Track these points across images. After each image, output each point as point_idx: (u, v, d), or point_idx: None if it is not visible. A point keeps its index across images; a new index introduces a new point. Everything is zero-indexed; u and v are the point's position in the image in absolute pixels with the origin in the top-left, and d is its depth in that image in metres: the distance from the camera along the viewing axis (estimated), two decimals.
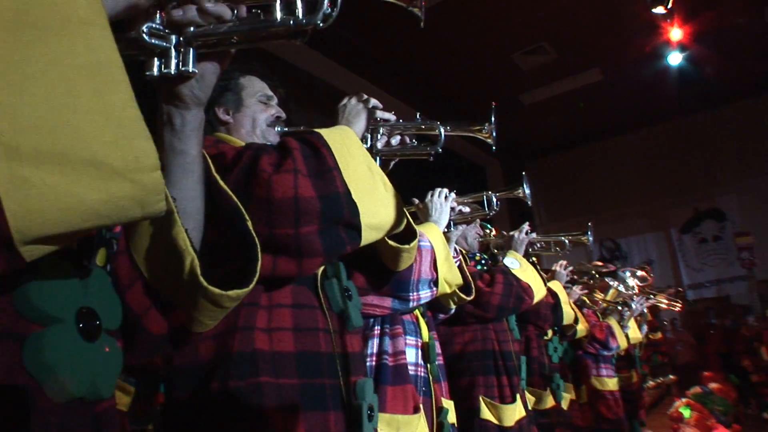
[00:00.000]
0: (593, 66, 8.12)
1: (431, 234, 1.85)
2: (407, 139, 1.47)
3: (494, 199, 2.31)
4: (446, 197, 2.08)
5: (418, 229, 1.80)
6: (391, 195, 1.23)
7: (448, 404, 2.00)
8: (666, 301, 5.59)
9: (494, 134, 1.55)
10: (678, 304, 5.63)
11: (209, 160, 0.99)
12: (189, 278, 0.83)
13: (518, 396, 2.48)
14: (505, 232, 2.91)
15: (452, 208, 2.12)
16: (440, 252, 1.82)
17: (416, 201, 2.15)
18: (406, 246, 1.39)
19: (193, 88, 0.86)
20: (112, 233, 0.84)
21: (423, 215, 2.07)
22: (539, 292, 2.65)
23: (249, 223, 0.94)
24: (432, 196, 2.08)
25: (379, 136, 1.43)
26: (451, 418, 2.06)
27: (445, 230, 2.07)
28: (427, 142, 1.46)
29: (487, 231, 3.07)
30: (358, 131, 1.32)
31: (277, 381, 1.07)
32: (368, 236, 1.17)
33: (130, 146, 0.54)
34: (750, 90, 9.59)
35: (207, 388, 1.04)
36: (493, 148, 1.57)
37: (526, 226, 2.82)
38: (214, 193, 0.96)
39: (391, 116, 1.42)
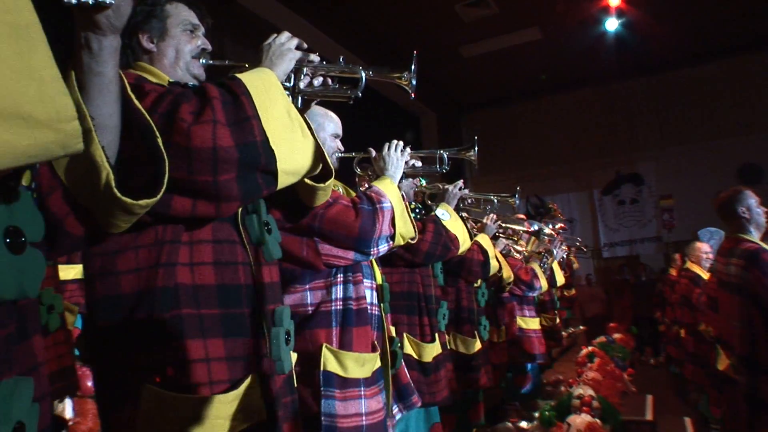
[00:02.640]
0: (533, 24, 8.22)
1: (390, 192, 1.94)
2: (329, 81, 1.49)
3: (446, 158, 2.41)
4: (402, 151, 2.14)
5: (379, 187, 1.95)
6: (308, 140, 1.27)
7: (394, 333, 2.21)
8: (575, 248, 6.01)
9: (413, 82, 1.58)
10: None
11: (125, 81, 1.04)
12: (105, 189, 0.94)
13: (437, 335, 2.70)
14: (439, 185, 3.00)
15: (405, 162, 2.18)
16: (397, 209, 1.93)
17: (373, 152, 2.19)
18: (322, 185, 1.44)
19: (109, 17, 0.92)
20: None
21: (378, 167, 2.12)
22: (465, 244, 2.79)
23: (159, 140, 1.01)
24: (389, 149, 2.13)
25: (302, 77, 1.44)
26: (399, 346, 2.25)
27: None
28: (349, 84, 1.49)
29: (420, 183, 3.15)
30: (281, 73, 1.33)
31: (199, 312, 1.14)
32: (284, 181, 1.22)
33: (53, 102, 0.63)
34: (673, 63, 10.03)
35: (131, 319, 1.10)
36: (412, 96, 1.62)
37: (460, 183, 2.93)
38: (129, 111, 1.02)
39: (315, 57, 1.44)
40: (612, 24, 8.29)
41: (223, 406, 1.12)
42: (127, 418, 1.09)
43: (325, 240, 1.75)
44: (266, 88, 1.20)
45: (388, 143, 2.15)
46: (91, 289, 1.14)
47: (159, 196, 1.00)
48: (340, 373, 1.74)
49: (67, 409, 2.06)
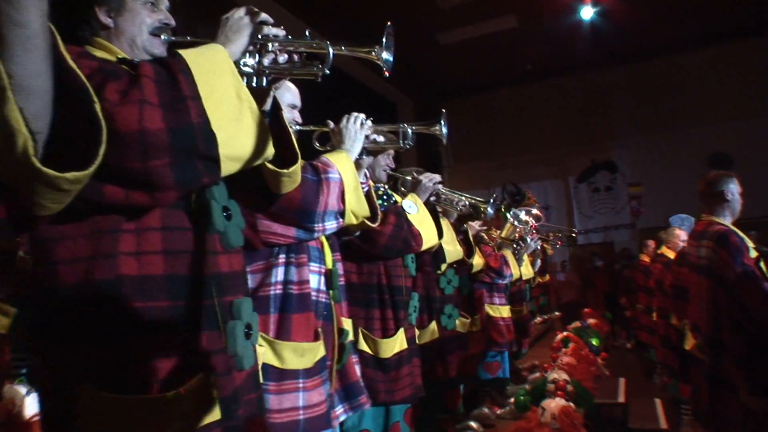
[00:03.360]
0: (510, 12, 8.21)
1: (342, 165, 1.79)
2: (295, 57, 1.36)
3: (410, 132, 2.23)
4: (362, 124, 2.01)
5: (329, 158, 1.78)
6: (259, 125, 1.16)
7: (347, 322, 2.05)
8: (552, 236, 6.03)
9: (384, 57, 1.45)
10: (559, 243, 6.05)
11: (57, 37, 0.92)
12: (22, 159, 0.81)
13: (402, 329, 2.53)
14: (415, 173, 2.88)
15: (366, 136, 2.05)
16: (349, 183, 1.78)
17: (331, 124, 2.06)
18: (286, 171, 1.35)
19: None
20: None
21: (336, 140, 1.99)
22: (429, 241, 2.63)
23: (96, 105, 0.90)
24: (347, 121, 2.00)
25: (266, 53, 1.32)
26: (351, 336, 2.11)
27: (357, 158, 2.01)
28: (316, 61, 1.39)
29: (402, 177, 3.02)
30: (236, 49, 1.22)
31: (145, 304, 1.05)
32: (229, 168, 1.12)
33: None
34: (647, 52, 10.14)
35: (70, 312, 1.02)
36: (386, 73, 1.50)
37: (437, 177, 2.78)
38: (62, 72, 0.90)
39: (280, 32, 1.32)
40: (587, 12, 8.35)
41: (172, 406, 1.03)
42: (63, 420, 1.00)
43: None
44: (212, 66, 1.10)
45: (347, 115, 2.01)
46: (31, 279, 1.05)
47: (91, 170, 0.88)
48: (277, 364, 1.61)
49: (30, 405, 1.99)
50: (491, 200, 3.08)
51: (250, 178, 1.41)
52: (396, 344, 2.48)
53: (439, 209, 3.15)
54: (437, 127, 2.30)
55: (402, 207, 2.51)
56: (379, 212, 2.20)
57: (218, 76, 1.10)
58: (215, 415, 1.10)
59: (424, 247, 2.59)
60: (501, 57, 9.77)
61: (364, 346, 2.41)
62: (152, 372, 1.04)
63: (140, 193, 1.02)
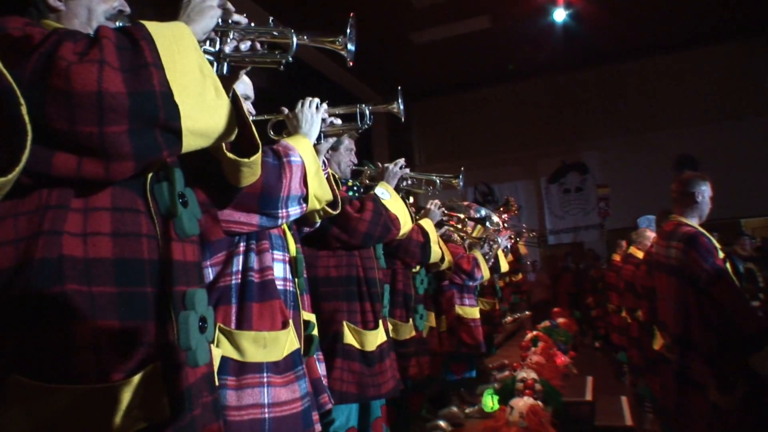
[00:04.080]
0: (483, 13, 8.24)
1: (302, 148, 1.76)
2: (258, 45, 1.33)
3: (367, 112, 2.19)
4: (317, 107, 1.97)
5: (289, 142, 1.75)
6: (223, 102, 1.12)
7: (310, 317, 2.00)
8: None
9: (351, 48, 1.43)
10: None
11: None
12: None
13: (380, 322, 2.54)
14: (380, 164, 2.89)
15: (323, 120, 2.02)
16: (311, 167, 1.75)
17: (285, 110, 2.02)
18: (246, 160, 1.30)
19: None
20: None
21: (292, 126, 1.95)
22: (406, 225, 2.66)
23: (23, 108, 0.82)
24: (302, 106, 1.95)
25: (228, 40, 1.28)
26: (315, 331, 2.05)
27: (315, 143, 1.97)
28: (279, 49, 1.34)
29: (365, 168, 3.04)
30: (199, 30, 1.17)
31: (90, 289, 0.98)
32: (191, 143, 1.06)
33: None
34: (618, 55, 10.32)
35: (8, 296, 0.94)
36: (350, 63, 1.47)
37: (401, 161, 2.80)
38: None
39: (242, 19, 1.28)
40: (560, 15, 8.42)
41: (116, 400, 0.96)
42: None
43: None
44: (176, 38, 1.04)
45: (301, 100, 1.97)
46: None
47: (11, 176, 0.81)
48: (236, 356, 1.53)
49: None
50: (459, 175, 3.11)
51: (208, 172, 1.37)
52: (378, 337, 2.49)
53: (420, 213, 3.29)
54: (395, 105, 2.28)
55: (376, 194, 2.53)
56: (351, 209, 2.17)
57: (181, 48, 1.05)
58: (164, 412, 1.03)
59: (402, 231, 2.63)
60: (474, 57, 9.81)
61: (350, 339, 2.40)
62: (95, 362, 0.97)
63: (94, 162, 0.95)
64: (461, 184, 3.14)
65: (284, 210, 1.65)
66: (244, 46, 1.30)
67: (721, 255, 2.65)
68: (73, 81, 0.90)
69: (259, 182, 1.52)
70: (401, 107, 2.27)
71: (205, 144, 1.12)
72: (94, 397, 0.95)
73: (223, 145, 1.26)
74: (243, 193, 1.51)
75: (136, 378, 1.00)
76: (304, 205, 1.74)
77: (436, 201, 3.43)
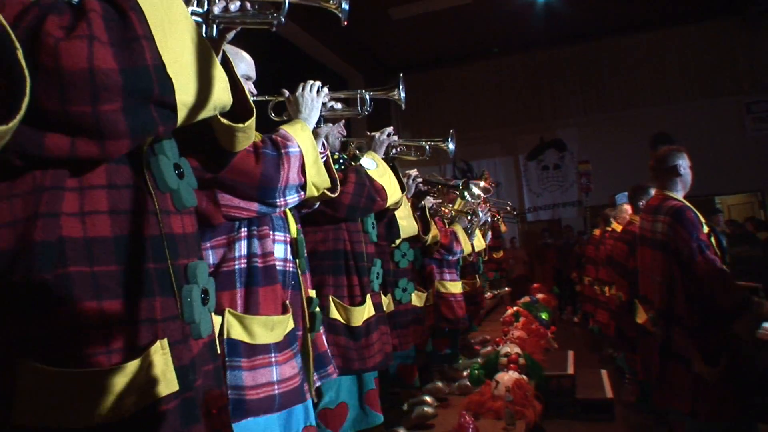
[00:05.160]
0: None
1: (300, 137, 1.76)
2: (248, 5, 1.27)
3: (368, 98, 2.20)
4: (318, 91, 1.96)
5: (287, 130, 1.75)
6: (217, 70, 1.08)
7: (312, 294, 2.02)
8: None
9: (343, 5, 1.38)
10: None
11: None
12: None
13: (368, 296, 2.52)
14: (367, 132, 2.83)
15: (323, 104, 2.02)
16: (309, 156, 1.75)
17: (286, 93, 2.00)
18: (241, 125, 1.26)
19: None
20: None
21: (292, 110, 1.93)
22: (393, 195, 2.62)
23: (19, 53, 0.77)
24: (303, 89, 1.94)
25: (217, 1, 1.22)
26: (317, 308, 2.08)
27: (315, 126, 1.98)
28: (270, 9, 1.28)
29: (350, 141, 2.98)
30: None
31: (92, 269, 0.96)
32: (186, 116, 1.03)
33: None
34: (597, 33, 10.36)
35: (8, 283, 0.90)
36: (344, 23, 1.42)
37: (389, 129, 2.72)
38: None
39: None
40: None
41: (126, 379, 0.95)
42: (2, 397, 0.90)
43: (225, 190, 1.56)
44: (165, 6, 0.99)
45: (302, 83, 1.96)
46: None
47: (12, 125, 0.77)
48: (247, 339, 1.59)
49: None
50: (449, 138, 3.02)
51: (201, 138, 1.33)
52: (365, 312, 2.48)
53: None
54: (395, 92, 2.29)
55: (361, 164, 2.49)
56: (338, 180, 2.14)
57: (171, 16, 0.99)
58: (172, 386, 1.02)
59: (390, 201, 2.59)
60: (453, 33, 9.74)
61: (335, 314, 2.40)
62: (102, 343, 0.95)
63: (88, 142, 0.90)
64: (451, 146, 3.00)
65: (282, 199, 1.68)
66: (234, 6, 1.23)
67: (706, 230, 2.68)
68: (63, 59, 0.85)
69: (258, 173, 1.56)
70: (402, 95, 2.28)
71: (201, 116, 1.08)
72: (104, 379, 0.93)
73: None
74: (243, 183, 1.54)
75: (144, 356, 0.98)
76: (302, 192, 1.76)
77: (412, 172, 3.32)
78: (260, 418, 1.59)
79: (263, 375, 1.59)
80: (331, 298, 2.41)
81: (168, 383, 1.02)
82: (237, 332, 1.57)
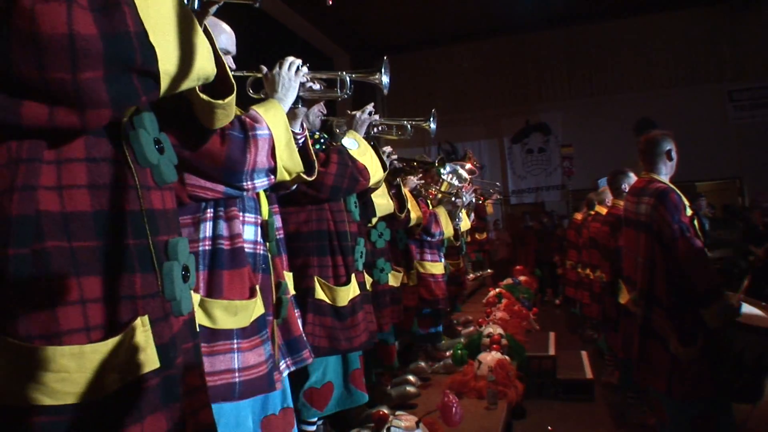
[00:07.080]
0: None
1: (272, 119, 1.69)
2: None
3: (348, 81, 2.11)
4: (297, 70, 1.87)
5: (258, 111, 1.68)
6: (200, 40, 1.04)
7: (288, 276, 1.97)
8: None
9: None
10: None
11: None
12: None
13: (353, 276, 2.51)
14: (348, 111, 2.78)
15: (302, 84, 1.93)
16: (280, 139, 1.68)
17: (265, 69, 1.93)
18: (221, 102, 1.23)
19: None
20: None
21: (269, 88, 1.86)
22: (376, 174, 2.60)
23: None
24: (281, 67, 1.86)
25: None
26: (290, 290, 2.04)
27: (293, 106, 1.91)
28: None
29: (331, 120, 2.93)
30: None
31: (70, 244, 0.93)
32: (169, 86, 0.99)
33: None
34: (583, 17, 10.34)
35: None
36: (329, 2, 1.38)
37: (369, 107, 2.68)
38: None
39: None
40: None
41: (107, 356, 0.93)
42: None
43: (189, 170, 1.50)
44: None
45: (280, 61, 1.88)
46: None
47: None
48: (208, 324, 1.53)
49: None
50: (431, 117, 3.00)
51: (179, 114, 1.30)
52: (350, 291, 2.47)
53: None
54: (377, 76, 2.19)
55: (342, 144, 2.45)
56: (317, 163, 2.10)
57: None
58: (153, 363, 1.00)
59: (373, 180, 2.56)
60: (440, 14, 9.66)
61: (321, 294, 2.39)
62: (82, 320, 0.92)
63: (68, 111, 0.87)
64: (433, 126, 2.99)
65: (250, 182, 1.62)
66: None
67: (689, 212, 2.71)
68: (40, 22, 0.81)
69: (222, 155, 1.50)
70: (385, 79, 2.18)
71: (185, 87, 1.04)
72: (84, 356, 0.91)
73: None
74: (207, 165, 1.48)
75: (125, 333, 0.96)
76: (272, 177, 1.69)
77: (385, 149, 3.21)
78: (225, 404, 1.55)
79: (222, 362, 1.54)
80: (316, 279, 2.39)
81: (149, 361, 1.00)
82: (198, 316, 1.49)
